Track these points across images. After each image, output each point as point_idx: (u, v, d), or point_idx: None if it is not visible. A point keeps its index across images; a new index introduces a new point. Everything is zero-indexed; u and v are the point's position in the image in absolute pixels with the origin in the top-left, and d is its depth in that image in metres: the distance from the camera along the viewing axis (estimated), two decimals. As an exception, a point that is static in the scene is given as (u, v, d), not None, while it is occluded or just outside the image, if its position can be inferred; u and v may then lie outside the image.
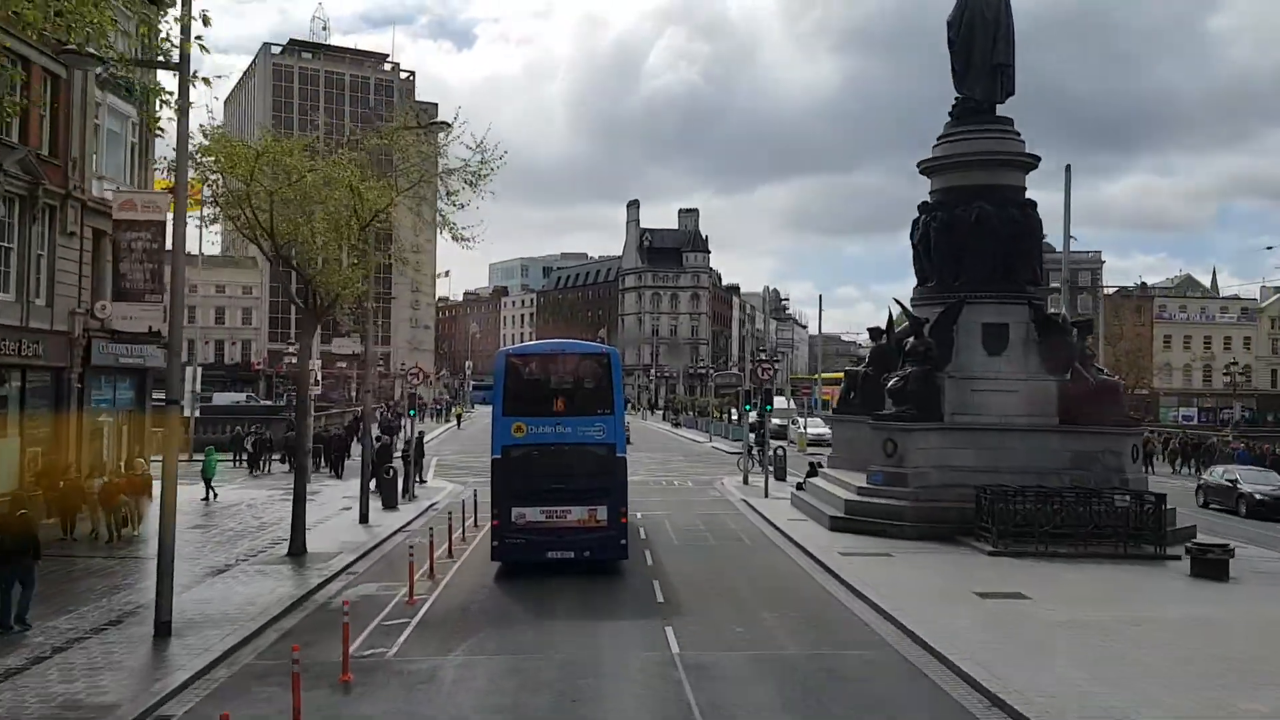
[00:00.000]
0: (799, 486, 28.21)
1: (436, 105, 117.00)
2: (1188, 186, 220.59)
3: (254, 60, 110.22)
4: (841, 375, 77.25)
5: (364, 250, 21.46)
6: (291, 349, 78.78)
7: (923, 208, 25.69)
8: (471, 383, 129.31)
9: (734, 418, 59.33)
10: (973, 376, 23.66)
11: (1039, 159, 25.32)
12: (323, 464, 37.48)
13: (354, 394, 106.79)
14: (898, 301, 27.20)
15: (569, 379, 20.19)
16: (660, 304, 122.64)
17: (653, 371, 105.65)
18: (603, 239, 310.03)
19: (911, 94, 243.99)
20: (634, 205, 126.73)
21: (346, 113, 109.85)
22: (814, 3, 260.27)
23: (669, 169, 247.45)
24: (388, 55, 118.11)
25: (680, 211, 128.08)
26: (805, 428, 49.39)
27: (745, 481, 33.57)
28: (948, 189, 25.19)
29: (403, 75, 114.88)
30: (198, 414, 45.37)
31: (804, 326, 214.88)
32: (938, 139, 25.70)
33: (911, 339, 23.81)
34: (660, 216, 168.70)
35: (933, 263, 25.15)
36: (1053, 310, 29.40)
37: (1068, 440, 23.26)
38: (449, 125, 23.01)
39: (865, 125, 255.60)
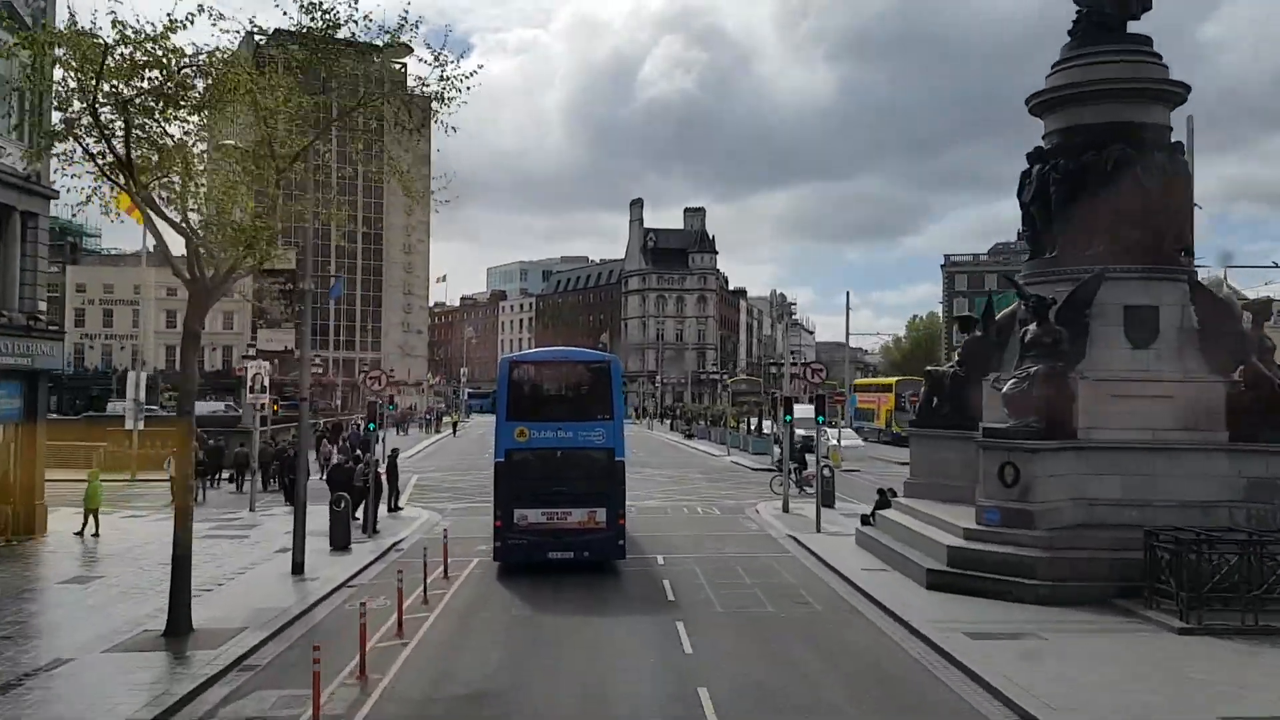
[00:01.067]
0: (865, 520, 22.05)
1: (429, 99, 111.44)
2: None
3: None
4: (884, 381, 71.42)
5: (275, 200, 15.23)
6: (281, 351, 73.81)
7: (1036, 156, 19.59)
8: (467, 390, 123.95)
9: (754, 428, 53.25)
10: (1112, 377, 17.59)
11: (1188, 89, 19.24)
12: (274, 484, 31.40)
13: (340, 402, 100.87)
14: (1009, 279, 21.03)
15: (570, 385, 20.72)
16: (665, 307, 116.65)
17: (658, 378, 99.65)
18: (602, 246, 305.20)
19: (908, 102, 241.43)
20: (637, 204, 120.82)
21: (334, 107, 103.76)
22: (808, 11, 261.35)
23: (667, 176, 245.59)
24: (379, 46, 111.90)
25: (686, 211, 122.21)
26: (839, 439, 43.28)
27: (786, 509, 27.40)
28: (1071, 129, 19.09)
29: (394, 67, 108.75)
30: (141, 426, 39.22)
31: (810, 332, 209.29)
32: (1054, 66, 19.59)
33: (1033, 327, 17.64)
34: (660, 223, 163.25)
35: (1053, 226, 19.03)
36: (1217, 287, 23.28)
37: (1241, 462, 17.20)
38: (409, 49, 16.79)
39: (862, 132, 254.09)
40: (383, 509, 25.70)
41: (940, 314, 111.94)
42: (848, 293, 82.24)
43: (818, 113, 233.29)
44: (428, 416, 70.24)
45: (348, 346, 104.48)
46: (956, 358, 21.32)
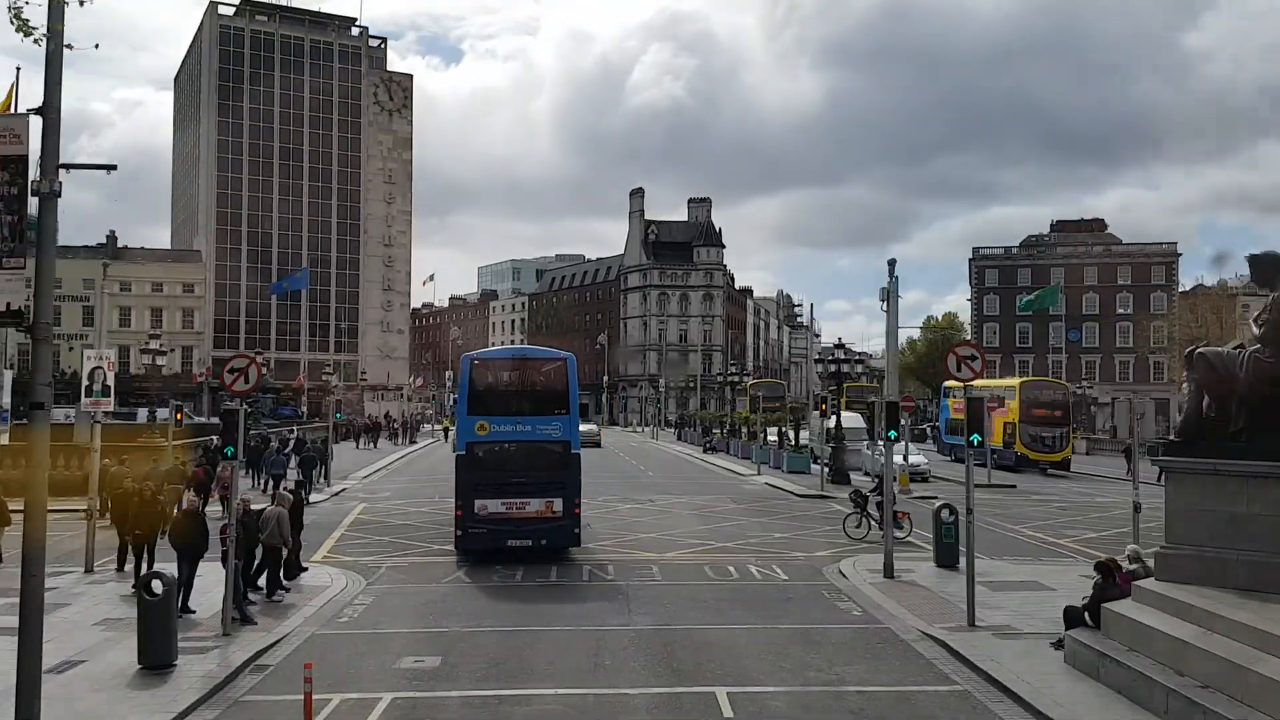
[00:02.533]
0: (1080, 618, 12.76)
1: (411, 76, 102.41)
2: (1172, 200, 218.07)
3: (201, 23, 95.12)
4: (1001, 383, 59.78)
5: None
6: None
7: None
8: (453, 397, 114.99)
9: (788, 440, 44.05)
10: None
11: None
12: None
13: (306, 410, 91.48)
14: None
15: (528, 382, 21.40)
16: (668, 305, 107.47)
17: (662, 382, 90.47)
18: (595, 252, 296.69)
19: (893, 110, 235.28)
20: (637, 194, 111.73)
21: (306, 83, 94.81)
22: (790, 20, 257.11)
23: (656, 183, 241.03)
24: (355, 19, 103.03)
25: (690, 201, 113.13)
26: (905, 458, 34.19)
27: (889, 572, 18.07)
28: None
29: (373, 43, 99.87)
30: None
31: (818, 335, 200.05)
32: None
33: None
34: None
35: None
36: None
37: None
38: None
39: (849, 140, 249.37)
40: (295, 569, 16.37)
41: (970, 312, 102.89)
42: (885, 287, 70.65)
43: (805, 120, 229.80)
44: (396, 426, 60.82)
45: (320, 348, 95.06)
46: (1258, 329, 11.74)
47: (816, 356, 56.85)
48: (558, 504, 19.63)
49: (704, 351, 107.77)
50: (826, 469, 34.52)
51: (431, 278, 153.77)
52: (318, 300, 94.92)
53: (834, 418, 36.43)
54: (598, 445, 57.84)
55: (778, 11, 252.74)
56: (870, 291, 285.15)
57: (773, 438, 46.40)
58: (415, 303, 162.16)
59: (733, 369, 54.56)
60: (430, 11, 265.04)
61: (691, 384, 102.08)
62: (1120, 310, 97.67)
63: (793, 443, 42.77)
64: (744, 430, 52.51)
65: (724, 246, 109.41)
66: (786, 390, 62.28)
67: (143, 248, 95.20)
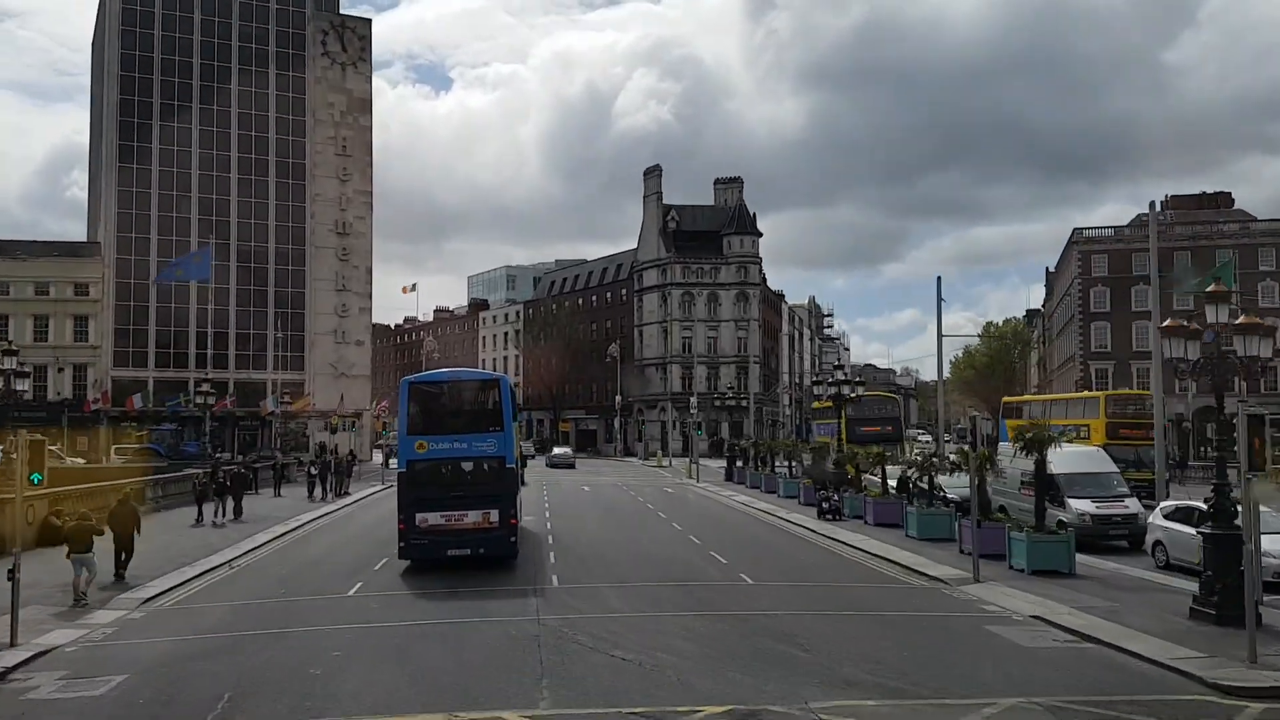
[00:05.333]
0: None
1: (369, 21, 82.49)
2: (1160, 215, 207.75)
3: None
4: (1082, 396, 28.60)
5: None
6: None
7: None
8: None
9: (919, 488, 23.52)
10: None
11: None
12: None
13: (232, 440, 71.05)
14: None
15: (464, 402, 22.72)
16: (693, 307, 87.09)
17: (692, 402, 70.09)
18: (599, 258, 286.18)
19: (876, 131, 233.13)
20: (654, 173, 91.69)
21: (234, 28, 75.05)
22: (766, 45, 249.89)
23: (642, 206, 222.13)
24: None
25: (716, 183, 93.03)
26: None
27: None
28: None
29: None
30: None
31: (847, 349, 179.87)
32: None
33: None
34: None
35: None
36: None
37: None
38: None
39: (835, 162, 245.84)
40: None
41: (1073, 306, 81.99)
42: (939, 281, 54.37)
43: (789, 143, 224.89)
44: (312, 471, 40.00)
45: (252, 363, 74.63)
46: None
47: (817, 378, 35.91)
48: (494, 515, 20.79)
49: (736, 363, 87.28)
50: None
51: (413, 287, 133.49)
52: (251, 304, 74.71)
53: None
54: (571, 467, 62.12)
55: (756, 37, 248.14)
56: (865, 312, 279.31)
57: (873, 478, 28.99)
58: (395, 315, 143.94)
59: (820, 379, 34.21)
60: (427, 40, 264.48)
61: (722, 402, 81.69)
62: (1267, 303, 77.31)
63: (920, 492, 22.49)
64: (849, 472, 31.90)
65: (760, 235, 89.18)
66: (903, 408, 41.67)
67: (23, 240, 75.14)
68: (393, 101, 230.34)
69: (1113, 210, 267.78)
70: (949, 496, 29.42)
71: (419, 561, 20.93)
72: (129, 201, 71.69)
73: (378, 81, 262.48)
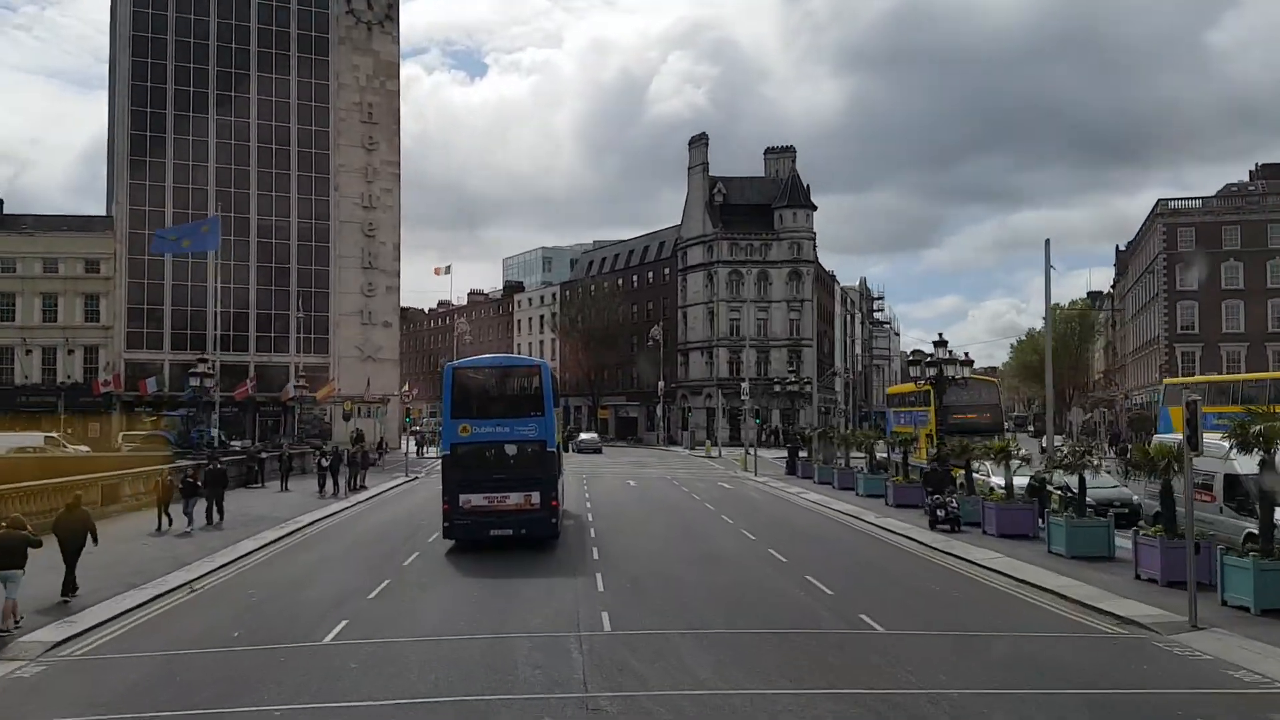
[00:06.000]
0: None
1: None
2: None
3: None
4: None
5: None
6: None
7: None
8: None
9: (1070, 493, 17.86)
10: None
11: None
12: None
13: (254, 426, 66.81)
14: None
15: (506, 387, 23.12)
16: (741, 287, 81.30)
17: (743, 386, 64.51)
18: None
19: (914, 115, 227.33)
20: (699, 143, 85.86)
21: (253, 6, 70.33)
22: (802, 28, 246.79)
23: (680, 192, 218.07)
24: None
25: (767, 153, 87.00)
26: None
27: None
28: None
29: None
30: None
31: (898, 335, 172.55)
32: None
33: None
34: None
35: None
36: None
37: None
38: None
39: (873, 146, 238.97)
40: None
41: (1154, 284, 75.10)
42: (1047, 245, 48.46)
43: (827, 126, 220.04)
44: (323, 463, 34.83)
45: (274, 346, 70.18)
46: None
47: (911, 358, 30.18)
48: (535, 497, 21.13)
49: (789, 346, 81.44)
50: None
51: (448, 268, 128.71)
52: (273, 282, 70.21)
53: None
54: (598, 451, 63.20)
55: (792, 19, 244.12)
56: (905, 298, 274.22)
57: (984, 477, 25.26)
58: (428, 300, 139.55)
59: (915, 358, 28.65)
60: (463, 24, 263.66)
61: (775, 388, 75.97)
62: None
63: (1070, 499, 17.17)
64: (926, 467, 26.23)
65: (814, 208, 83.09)
66: (1000, 395, 35.81)
67: (31, 215, 71.10)
68: (429, 89, 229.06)
69: (1155, 195, 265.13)
70: (1085, 500, 23.93)
71: (462, 541, 21.44)
72: (141, 171, 67.27)
73: (413, 68, 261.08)
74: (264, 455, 38.16)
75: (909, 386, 40.23)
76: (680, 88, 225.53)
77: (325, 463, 34.41)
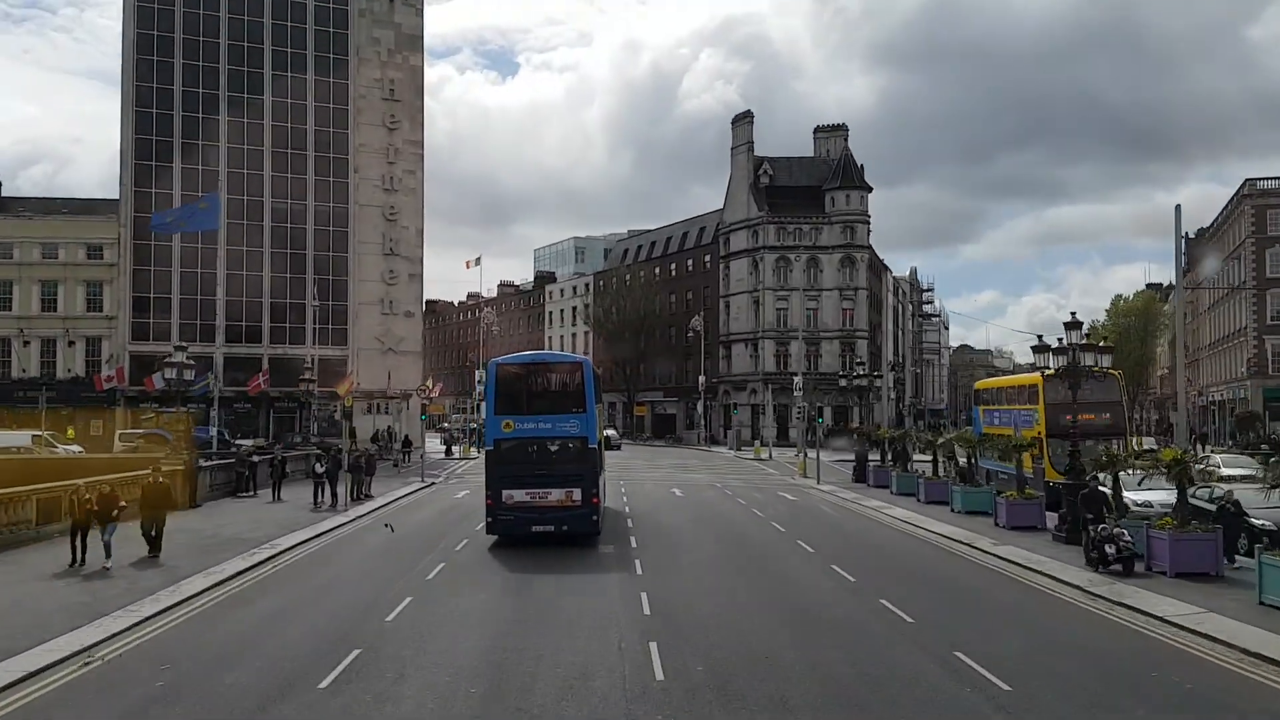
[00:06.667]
0: None
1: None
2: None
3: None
4: None
5: None
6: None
7: None
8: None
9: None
10: None
11: None
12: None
13: (268, 423, 62.47)
14: None
15: (549, 383, 23.31)
16: (789, 275, 75.54)
17: (796, 381, 58.83)
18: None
19: (949, 110, 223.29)
20: (744, 120, 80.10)
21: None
22: (834, 24, 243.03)
23: (712, 187, 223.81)
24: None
25: (816, 132, 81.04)
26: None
27: None
28: None
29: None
30: None
31: (947, 329, 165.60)
32: None
33: None
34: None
35: None
36: None
37: None
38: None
39: (909, 141, 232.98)
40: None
41: (1241, 268, 68.24)
42: (1178, 212, 43.18)
43: (861, 122, 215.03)
44: (318, 469, 29.69)
45: (289, 337, 65.56)
46: None
47: (1038, 344, 23.96)
48: (577, 493, 21.33)
49: (841, 340, 75.63)
50: None
51: (477, 260, 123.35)
52: (288, 269, 65.57)
53: None
54: (618, 448, 58.85)
55: (824, 15, 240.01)
56: (943, 293, 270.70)
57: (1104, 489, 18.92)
58: (458, 293, 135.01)
59: (1040, 344, 23.01)
60: (498, 24, 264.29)
61: (837, 381, 70.25)
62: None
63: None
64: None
65: (869, 189, 77.10)
66: (1123, 389, 29.87)
67: (28, 197, 67.00)
68: (461, 89, 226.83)
69: (1197, 190, 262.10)
70: (1255, 523, 18.63)
71: (505, 537, 21.63)
72: (148, 151, 62.85)
73: (445, 68, 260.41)
74: (255, 458, 33.15)
75: (1004, 380, 34.54)
76: (711, 84, 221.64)
77: (320, 468, 29.31)
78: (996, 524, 25.11)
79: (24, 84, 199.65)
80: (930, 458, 33.20)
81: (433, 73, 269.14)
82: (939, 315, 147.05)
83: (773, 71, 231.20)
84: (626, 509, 29.04)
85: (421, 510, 30.53)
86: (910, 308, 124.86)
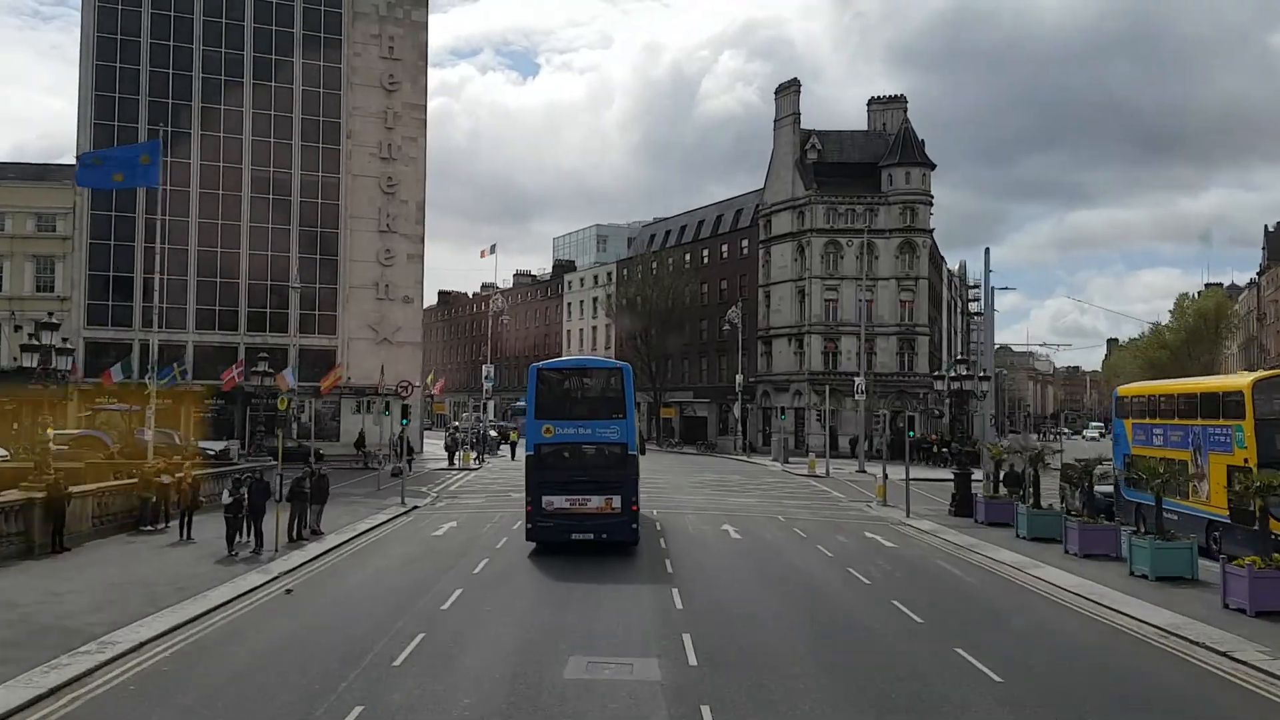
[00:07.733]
0: None
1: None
2: (1276, 199, 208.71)
3: None
4: None
5: None
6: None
7: None
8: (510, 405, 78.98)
9: None
10: None
11: None
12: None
13: (244, 426, 54.23)
14: None
15: (589, 389, 23.33)
16: (839, 262, 66.71)
17: (858, 383, 50.18)
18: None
19: (970, 113, 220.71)
20: (789, 90, 71.21)
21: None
22: (853, 28, 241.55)
23: (733, 187, 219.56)
24: None
25: (870, 104, 72.14)
26: None
27: None
28: None
29: None
30: None
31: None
32: None
33: None
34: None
35: None
36: None
37: None
38: None
39: (930, 143, 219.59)
40: None
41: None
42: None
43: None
44: (225, 498, 21.20)
45: (270, 324, 57.32)
46: None
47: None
48: (616, 501, 21.12)
49: (899, 336, 66.79)
50: None
51: (493, 249, 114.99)
52: (269, 247, 57.35)
53: None
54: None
55: (845, 18, 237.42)
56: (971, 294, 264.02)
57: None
58: (472, 283, 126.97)
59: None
60: (522, 25, 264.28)
61: (880, 386, 61.51)
62: None
63: None
64: None
65: (933, 166, 68.11)
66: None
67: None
68: (481, 89, 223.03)
69: (1220, 195, 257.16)
70: None
71: (544, 544, 21.27)
72: (109, 110, 54.74)
73: (467, 68, 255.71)
74: (165, 479, 24.68)
75: (1174, 385, 25.73)
76: (732, 85, 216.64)
77: (228, 499, 20.77)
78: (1225, 604, 16.37)
79: (51, 79, 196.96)
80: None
81: (454, 73, 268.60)
82: (983, 313, 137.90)
83: (793, 74, 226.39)
84: (670, 568, 20.36)
85: (379, 557, 21.94)
86: (960, 303, 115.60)
